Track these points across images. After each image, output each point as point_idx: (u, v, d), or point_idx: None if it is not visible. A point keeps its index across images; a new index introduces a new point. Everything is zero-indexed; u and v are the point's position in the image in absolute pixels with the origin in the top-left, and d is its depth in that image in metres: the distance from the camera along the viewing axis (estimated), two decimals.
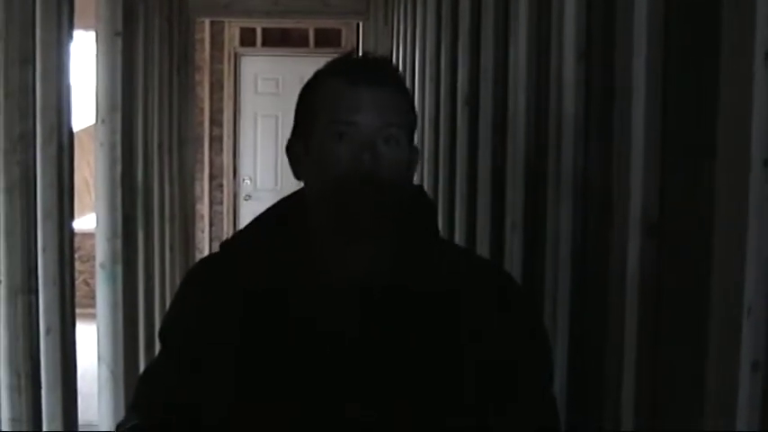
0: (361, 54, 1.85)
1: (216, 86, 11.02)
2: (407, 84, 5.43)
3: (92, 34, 5.21)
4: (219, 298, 1.83)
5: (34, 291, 3.42)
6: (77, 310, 3.93)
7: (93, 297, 5.34)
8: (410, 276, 1.77)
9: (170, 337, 1.92)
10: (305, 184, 1.82)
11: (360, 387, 1.70)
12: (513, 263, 2.80)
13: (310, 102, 1.80)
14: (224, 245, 1.91)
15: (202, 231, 10.64)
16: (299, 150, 1.81)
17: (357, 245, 1.77)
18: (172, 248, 6.88)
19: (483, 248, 3.18)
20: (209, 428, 1.78)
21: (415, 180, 1.93)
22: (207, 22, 10.65)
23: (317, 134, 1.75)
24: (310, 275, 1.79)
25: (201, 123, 10.72)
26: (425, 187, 4.42)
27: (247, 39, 11.02)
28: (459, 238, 3.62)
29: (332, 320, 1.74)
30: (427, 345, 1.71)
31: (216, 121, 11.01)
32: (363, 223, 1.73)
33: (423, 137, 4.67)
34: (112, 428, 1.96)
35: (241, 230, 1.95)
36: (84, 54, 6.08)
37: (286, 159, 1.86)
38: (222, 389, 1.76)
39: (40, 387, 3.47)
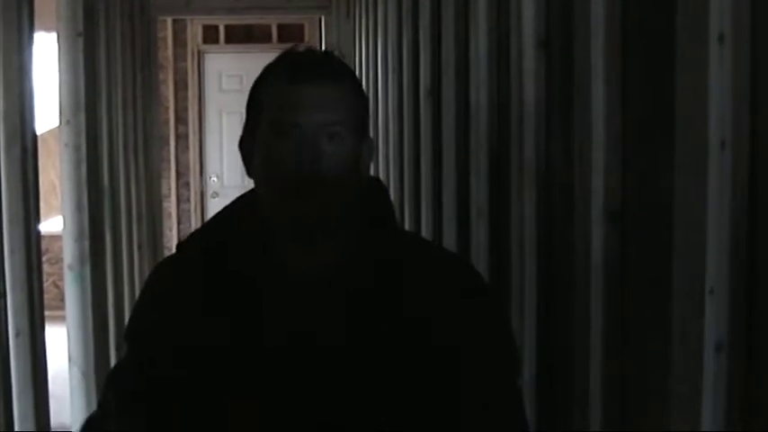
0: (306, 49, 1.83)
1: (180, 85, 10.97)
2: (369, 77, 5.45)
3: (53, 35, 5.20)
4: (180, 298, 1.83)
5: (2, 294, 3.41)
6: (47, 313, 3.92)
7: (63, 299, 5.33)
8: (367, 272, 1.76)
9: (134, 337, 1.92)
10: (254, 182, 1.81)
11: (321, 385, 1.70)
12: (480, 251, 2.81)
13: (256, 100, 1.78)
14: (180, 245, 1.91)
15: (170, 230, 10.61)
16: (248, 147, 1.80)
17: (308, 246, 1.77)
18: (140, 248, 6.86)
19: (449, 237, 3.19)
20: (173, 426, 1.78)
21: (380, 171, 1.92)
22: (169, 20, 10.60)
23: (261, 134, 1.73)
24: (267, 274, 1.78)
25: (167, 122, 10.68)
26: (391, 177, 4.43)
27: (210, 36, 10.97)
28: (425, 227, 3.64)
29: (291, 318, 1.74)
30: (388, 341, 1.70)
31: (181, 120, 10.97)
32: (308, 226, 1.71)
33: (387, 128, 4.68)
34: None
35: (197, 230, 1.93)
36: (46, 55, 6.06)
37: None
38: (184, 388, 1.76)
39: (10, 390, 3.46)
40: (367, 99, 1.85)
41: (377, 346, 1.70)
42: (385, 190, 1.94)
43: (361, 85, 1.85)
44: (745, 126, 1.43)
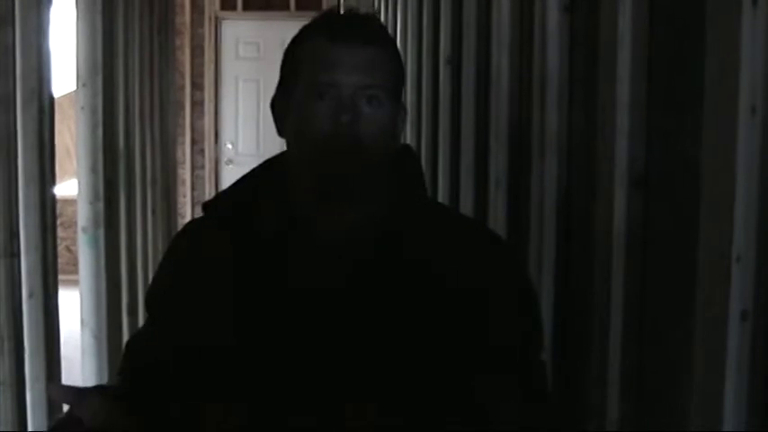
0: (345, 11, 1.81)
1: (197, 51, 10.97)
2: None
3: None
4: (203, 263, 1.81)
5: (16, 255, 3.41)
6: (60, 277, 3.92)
7: (76, 264, 5.33)
8: (395, 238, 1.74)
9: (154, 303, 1.91)
10: (287, 142, 1.79)
11: (342, 350, 1.68)
12: (498, 220, 2.79)
13: (293, 59, 1.77)
14: (206, 206, 1.89)
15: (184, 196, 10.62)
16: (282, 107, 1.79)
17: (339, 208, 1.75)
18: (154, 212, 6.85)
19: (467, 206, 3.17)
20: (192, 391, 1.77)
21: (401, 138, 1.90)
22: None
23: (298, 93, 1.72)
24: (293, 238, 1.77)
25: (183, 88, 10.68)
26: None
27: (228, 2, 10.95)
28: (442, 195, 3.62)
29: (317, 284, 1.72)
30: (410, 307, 1.68)
31: (197, 86, 10.97)
32: (342, 188, 1.70)
33: (405, 95, 4.66)
34: None
35: (224, 191, 1.91)
36: (64, 17, 6.04)
37: (267, 124, 1.82)
38: (205, 353, 1.74)
39: (22, 350, 3.46)
40: (404, 66, 1.84)
41: (396, 313, 1.68)
42: (416, 158, 1.93)
43: (399, 51, 1.83)
44: None
